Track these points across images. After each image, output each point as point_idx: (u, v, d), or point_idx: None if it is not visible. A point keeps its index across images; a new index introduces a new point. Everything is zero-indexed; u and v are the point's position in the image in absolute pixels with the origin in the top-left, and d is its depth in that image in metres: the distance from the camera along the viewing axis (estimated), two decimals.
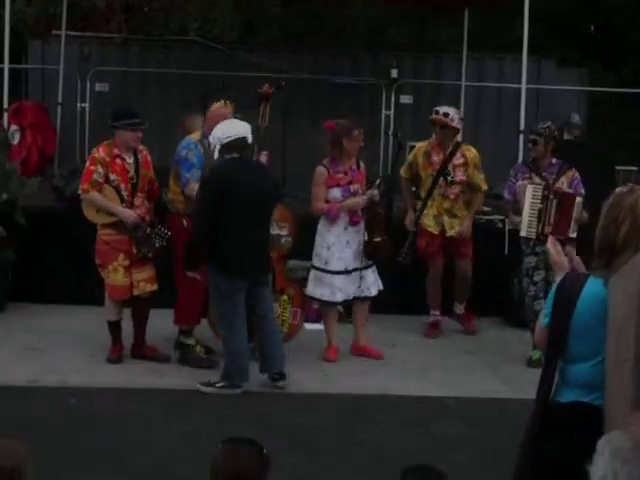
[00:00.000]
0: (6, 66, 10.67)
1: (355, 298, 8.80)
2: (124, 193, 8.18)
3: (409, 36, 18.79)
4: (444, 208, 9.42)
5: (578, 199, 8.47)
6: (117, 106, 9.86)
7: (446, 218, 9.43)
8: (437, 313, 9.70)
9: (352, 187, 8.67)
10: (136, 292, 8.27)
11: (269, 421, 7.09)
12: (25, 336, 8.96)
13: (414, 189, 9.69)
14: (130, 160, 8.22)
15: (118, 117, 8.23)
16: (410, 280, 9.69)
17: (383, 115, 13.25)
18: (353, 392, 7.95)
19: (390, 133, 12.39)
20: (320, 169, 8.69)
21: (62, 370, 8.09)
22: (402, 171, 9.66)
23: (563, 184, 8.75)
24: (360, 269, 8.67)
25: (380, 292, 8.86)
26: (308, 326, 9.23)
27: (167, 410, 7.34)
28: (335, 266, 8.62)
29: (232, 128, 7.73)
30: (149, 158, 8.44)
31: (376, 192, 8.68)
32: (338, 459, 6.55)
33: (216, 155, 7.79)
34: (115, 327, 8.41)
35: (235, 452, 3.62)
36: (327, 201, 8.64)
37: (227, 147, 7.65)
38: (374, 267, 8.80)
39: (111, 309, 8.38)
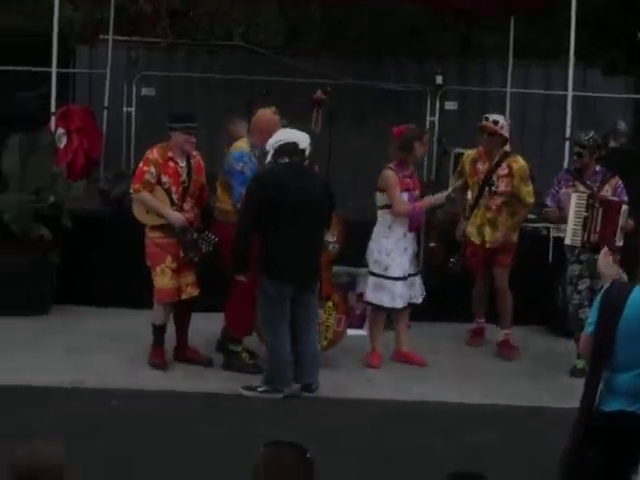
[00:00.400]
0: (54, 70, 10.76)
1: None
2: (174, 196, 8.19)
3: (454, 42, 18.73)
4: (487, 218, 9.16)
5: (624, 207, 8.42)
6: (175, 108, 9.85)
7: (488, 229, 9.16)
8: (481, 320, 9.62)
9: (415, 193, 8.68)
10: (184, 296, 8.24)
11: (311, 425, 7.08)
12: (69, 338, 9.03)
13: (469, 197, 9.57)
14: (183, 164, 8.23)
15: (176, 119, 8.27)
16: (460, 287, 9.63)
17: (428, 121, 13.20)
18: (396, 398, 7.94)
19: (435, 139, 12.39)
20: (390, 172, 8.65)
21: (104, 372, 8.14)
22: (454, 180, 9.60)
23: (607, 192, 8.70)
24: (413, 275, 8.69)
25: (425, 299, 8.84)
26: (350, 332, 9.23)
27: (210, 413, 7.35)
28: (396, 272, 8.61)
29: (283, 133, 7.78)
30: (202, 164, 8.44)
31: (443, 196, 8.69)
32: (379, 465, 6.54)
33: (267, 159, 7.81)
34: (160, 331, 8.39)
35: (277, 455, 3.58)
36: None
37: (278, 151, 7.68)
38: (420, 274, 8.82)
39: (159, 313, 8.35)
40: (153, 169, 8.14)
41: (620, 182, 8.74)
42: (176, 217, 8.11)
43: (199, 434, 6.93)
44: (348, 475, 6.31)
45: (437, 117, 13.21)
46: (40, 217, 9.70)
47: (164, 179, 8.17)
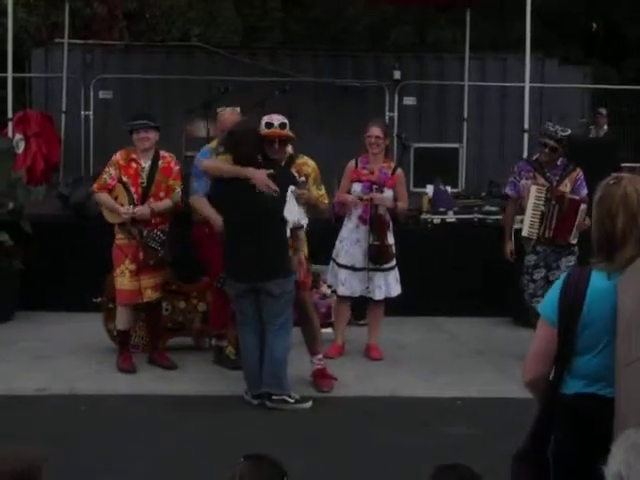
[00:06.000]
0: (9, 75, 10.67)
1: (368, 299, 8.84)
2: (134, 196, 8.18)
3: (411, 37, 18.79)
4: None
5: (582, 206, 8.40)
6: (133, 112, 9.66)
7: None
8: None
9: (375, 187, 8.64)
10: (144, 299, 8.29)
11: (277, 424, 7.10)
12: (33, 344, 8.97)
13: None
14: (145, 164, 8.21)
15: (128, 121, 8.37)
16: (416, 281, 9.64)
17: (387, 117, 13.25)
18: (362, 394, 7.94)
19: (394, 135, 12.43)
20: (350, 162, 8.80)
21: (70, 378, 8.08)
22: None
23: (567, 186, 8.67)
24: (368, 270, 8.65)
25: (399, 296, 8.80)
26: None
27: (177, 415, 7.32)
28: (342, 259, 8.70)
29: None
30: (172, 166, 8.30)
31: (373, 195, 8.61)
32: (346, 461, 6.52)
33: None
34: (124, 336, 8.43)
35: (255, 469, 3.52)
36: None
37: None
38: (389, 272, 8.70)
39: (121, 316, 8.35)
40: (112, 170, 8.22)
41: (580, 174, 8.71)
42: (123, 211, 8.12)
43: (170, 436, 6.89)
44: (320, 474, 6.29)
45: (396, 113, 13.26)
46: (0, 223, 9.63)
47: (124, 179, 8.21)
